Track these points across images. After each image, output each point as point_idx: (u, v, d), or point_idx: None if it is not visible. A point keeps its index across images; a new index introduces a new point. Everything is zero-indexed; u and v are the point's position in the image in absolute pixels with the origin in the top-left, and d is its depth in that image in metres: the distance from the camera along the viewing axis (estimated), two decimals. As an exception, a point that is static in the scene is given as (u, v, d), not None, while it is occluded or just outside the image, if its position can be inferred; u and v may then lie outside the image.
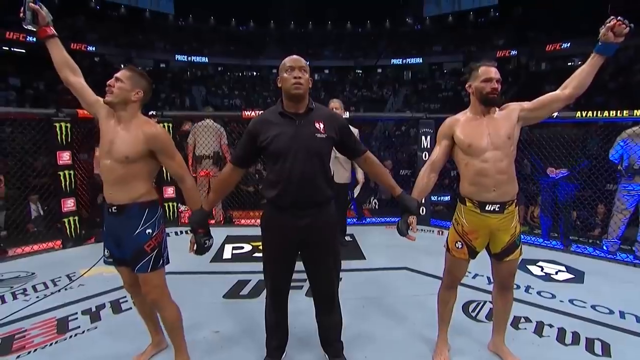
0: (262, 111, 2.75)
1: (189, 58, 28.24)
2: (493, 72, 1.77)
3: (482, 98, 1.78)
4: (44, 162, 5.71)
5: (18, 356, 2.02)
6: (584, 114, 3.57)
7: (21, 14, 1.73)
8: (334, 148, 1.78)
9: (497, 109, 1.83)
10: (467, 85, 1.84)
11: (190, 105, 23.26)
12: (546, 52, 22.58)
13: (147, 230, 1.75)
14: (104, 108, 1.76)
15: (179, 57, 27.99)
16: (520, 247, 1.88)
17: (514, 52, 24.34)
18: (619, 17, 1.56)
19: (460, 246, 1.90)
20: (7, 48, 21.43)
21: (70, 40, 23.70)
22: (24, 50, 22.00)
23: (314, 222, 1.71)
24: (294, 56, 1.70)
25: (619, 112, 3.42)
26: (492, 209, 1.79)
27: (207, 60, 28.87)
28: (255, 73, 30.08)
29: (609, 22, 1.58)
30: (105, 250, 1.82)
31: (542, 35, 22.98)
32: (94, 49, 24.96)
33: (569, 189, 3.93)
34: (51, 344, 2.14)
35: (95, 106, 1.79)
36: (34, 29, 1.79)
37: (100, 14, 27.02)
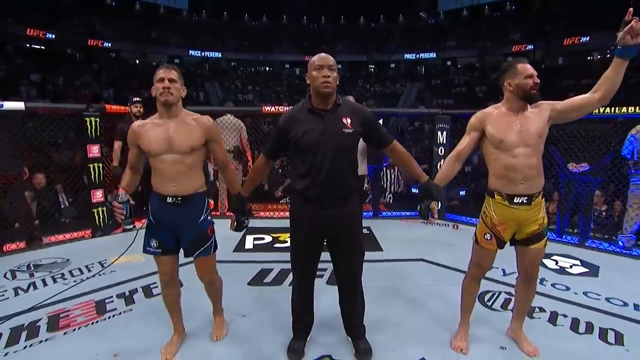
0: (283, 107, 2.87)
1: (203, 53, 28.56)
2: (531, 68, 1.82)
3: (525, 94, 1.81)
4: (67, 155, 5.97)
5: (65, 332, 2.21)
6: (601, 110, 3.59)
7: (124, 218, 1.87)
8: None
9: (529, 106, 1.86)
10: (506, 83, 1.85)
11: (204, 100, 23.56)
12: (563, 46, 22.09)
13: (208, 217, 1.95)
14: (141, 129, 1.84)
15: (192, 52, 28.34)
16: (546, 238, 1.93)
17: (530, 47, 23.89)
18: (634, 18, 1.57)
19: (489, 238, 1.94)
20: (27, 45, 22.01)
21: (88, 37, 24.23)
22: (43, 47, 22.61)
23: (340, 213, 1.82)
24: (322, 54, 1.77)
25: (637, 108, 3.43)
26: (520, 201, 1.84)
27: (220, 55, 29.16)
28: (268, 68, 30.24)
29: (626, 25, 1.59)
30: (153, 241, 1.89)
31: (560, 29, 22.50)
32: (109, 45, 25.45)
33: (593, 184, 3.93)
34: (93, 323, 2.31)
35: (140, 144, 1.85)
36: (132, 224, 1.93)
37: (116, 10, 27.46)
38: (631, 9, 1.59)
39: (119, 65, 25.14)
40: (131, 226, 1.93)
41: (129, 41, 26.41)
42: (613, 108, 3.54)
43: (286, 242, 3.84)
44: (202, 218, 1.91)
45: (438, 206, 2.04)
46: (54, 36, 22.52)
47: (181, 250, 1.97)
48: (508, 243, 1.98)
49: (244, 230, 2.04)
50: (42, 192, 4.64)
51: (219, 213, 4.68)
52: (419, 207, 1.94)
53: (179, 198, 1.83)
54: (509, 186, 1.85)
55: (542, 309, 2.47)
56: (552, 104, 1.86)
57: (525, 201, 1.84)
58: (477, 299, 2.55)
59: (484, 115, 1.92)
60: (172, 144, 1.81)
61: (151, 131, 1.83)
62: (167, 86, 1.78)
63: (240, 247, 3.70)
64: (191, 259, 1.96)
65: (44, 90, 18.15)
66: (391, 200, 5.85)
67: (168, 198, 1.83)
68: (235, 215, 2.00)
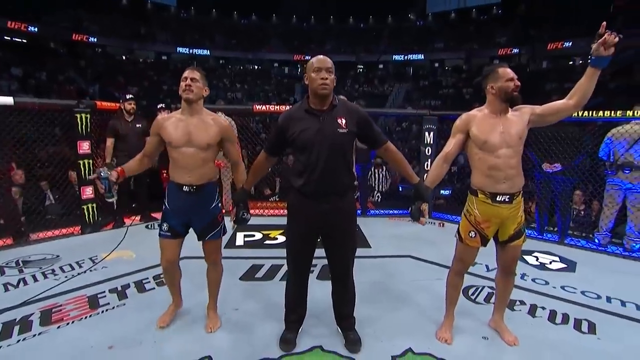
0: (272, 106, 2.92)
1: (191, 50, 28.27)
2: (511, 72, 1.92)
3: (507, 96, 1.90)
4: (50, 152, 5.89)
5: (59, 326, 2.22)
6: (580, 114, 3.75)
7: (104, 191, 2.10)
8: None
9: (510, 109, 1.96)
10: (489, 87, 1.94)
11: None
12: (547, 50, 22.66)
13: (219, 204, 2.17)
14: (165, 122, 2.05)
15: (180, 49, 28.02)
16: (524, 234, 2.05)
17: (515, 50, 24.41)
18: (607, 31, 1.70)
19: (473, 235, 2.04)
20: (8, 38, 21.42)
21: (72, 31, 23.72)
22: (25, 40, 22.03)
23: (334, 209, 1.90)
24: (321, 56, 1.86)
25: (612, 112, 3.60)
26: (502, 200, 1.94)
27: (208, 52, 28.92)
28: (256, 66, 30.13)
29: (599, 38, 1.72)
30: (164, 225, 2.10)
31: (544, 34, 23.05)
32: (95, 40, 24.96)
33: (568, 184, 4.11)
34: (86, 317, 2.34)
35: (162, 135, 2.05)
36: (115, 197, 2.19)
37: (102, 5, 26.95)
38: (604, 22, 1.72)
39: (105, 61, 24.70)
40: (112, 200, 2.18)
41: (115, 37, 25.95)
42: (591, 112, 3.71)
43: (276, 239, 3.91)
44: (213, 205, 2.12)
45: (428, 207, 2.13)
46: (36, 30, 21.98)
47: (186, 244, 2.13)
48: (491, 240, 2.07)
49: (245, 224, 2.12)
50: (29, 189, 4.58)
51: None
52: (410, 208, 2.02)
53: (194, 187, 2.03)
54: (492, 185, 1.95)
55: (522, 302, 2.60)
56: (532, 107, 1.96)
57: (507, 200, 1.94)
58: (461, 293, 2.67)
59: (468, 117, 2.01)
60: (192, 139, 2.00)
61: (174, 125, 2.03)
62: (189, 84, 1.97)
63: (231, 243, 3.74)
64: (192, 255, 2.03)
65: (26, 84, 17.73)
66: (379, 199, 5.96)
67: (184, 187, 2.03)
68: (236, 209, 2.10)
